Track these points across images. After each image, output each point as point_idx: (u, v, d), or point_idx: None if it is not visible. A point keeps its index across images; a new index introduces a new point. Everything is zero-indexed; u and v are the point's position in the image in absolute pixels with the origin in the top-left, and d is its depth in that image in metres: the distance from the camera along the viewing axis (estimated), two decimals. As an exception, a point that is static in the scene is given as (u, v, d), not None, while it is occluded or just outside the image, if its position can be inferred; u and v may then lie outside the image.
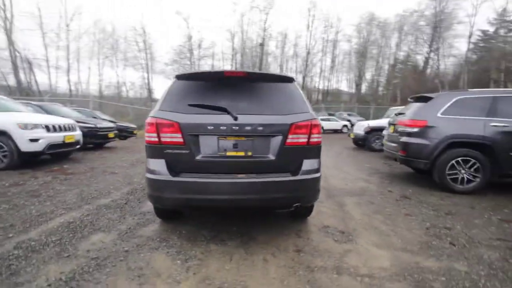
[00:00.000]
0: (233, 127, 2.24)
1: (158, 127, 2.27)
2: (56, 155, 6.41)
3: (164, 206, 2.51)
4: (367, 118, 20.04)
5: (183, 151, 2.27)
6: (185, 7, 48.95)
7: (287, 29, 48.67)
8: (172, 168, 2.28)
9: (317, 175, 2.40)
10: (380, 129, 9.02)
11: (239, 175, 2.26)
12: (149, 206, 3.46)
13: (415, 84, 31.83)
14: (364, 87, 40.08)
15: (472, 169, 4.26)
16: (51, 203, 3.54)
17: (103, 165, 6.26)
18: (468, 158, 4.25)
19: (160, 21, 46.08)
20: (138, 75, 37.25)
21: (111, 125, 9.15)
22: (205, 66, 33.12)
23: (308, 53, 36.81)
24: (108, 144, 9.96)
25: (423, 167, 4.59)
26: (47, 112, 7.27)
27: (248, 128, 2.25)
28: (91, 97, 18.00)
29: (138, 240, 2.56)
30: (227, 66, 32.93)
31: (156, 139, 2.28)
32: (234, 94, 2.43)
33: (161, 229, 2.81)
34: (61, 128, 5.99)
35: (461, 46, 35.49)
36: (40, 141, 5.44)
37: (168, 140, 2.27)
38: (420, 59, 37.20)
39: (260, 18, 32.77)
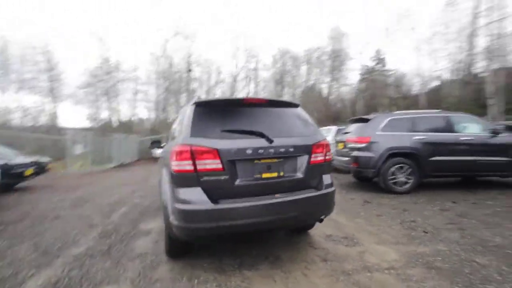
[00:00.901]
0: (269, 150, 2.37)
1: (193, 154, 2.20)
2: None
3: (200, 236, 2.33)
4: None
5: (223, 177, 2.24)
6: (103, 28, 44.50)
7: (213, 57, 50.04)
8: (211, 196, 2.21)
9: (333, 188, 2.72)
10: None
11: (276, 195, 2.37)
12: (142, 247, 3.11)
13: (323, 108, 37.20)
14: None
15: (406, 173, 5.39)
16: (6, 264, 2.75)
17: (36, 209, 5.07)
18: (402, 164, 5.37)
19: (72, 42, 40.31)
20: (35, 100, 31.08)
21: (28, 160, 7.47)
22: (128, 89, 30.60)
23: (234, 80, 38.73)
24: (21, 184, 7.96)
25: (371, 175, 5.54)
26: None
27: (282, 150, 2.42)
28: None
29: (162, 284, 2.30)
30: (152, 90, 31.29)
31: (191, 167, 2.19)
32: (254, 119, 2.55)
33: (179, 268, 2.57)
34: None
35: (354, 77, 43.84)
36: None
37: (207, 167, 2.21)
38: (324, 87, 43.91)
39: (185, 45, 32.98)
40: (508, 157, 5.34)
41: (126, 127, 27.23)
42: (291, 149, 2.47)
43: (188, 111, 2.53)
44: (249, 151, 2.31)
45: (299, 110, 2.88)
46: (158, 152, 4.45)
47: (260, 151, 2.35)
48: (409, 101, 25.96)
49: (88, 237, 3.50)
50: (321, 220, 2.69)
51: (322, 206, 2.59)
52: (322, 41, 48.45)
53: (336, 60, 40.28)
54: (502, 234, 3.15)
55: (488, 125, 5.71)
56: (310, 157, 2.58)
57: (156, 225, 3.87)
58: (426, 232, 3.31)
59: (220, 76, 39.24)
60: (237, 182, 2.29)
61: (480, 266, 2.44)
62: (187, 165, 2.19)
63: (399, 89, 33.25)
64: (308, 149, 2.57)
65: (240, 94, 39.74)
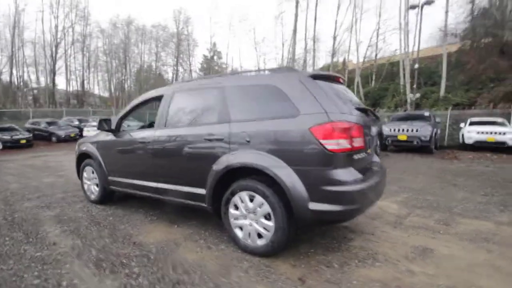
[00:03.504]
0: (372, 127, 2.62)
1: (351, 132, 2.08)
2: None
3: (352, 218, 2.23)
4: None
5: (363, 155, 2.29)
6: None
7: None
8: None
9: None
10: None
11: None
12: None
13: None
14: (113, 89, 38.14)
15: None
16: None
17: None
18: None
19: None
20: None
21: None
22: None
23: (56, 45, 28.79)
24: None
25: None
26: None
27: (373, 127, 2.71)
28: None
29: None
30: None
31: (349, 146, 2.06)
32: (343, 95, 2.46)
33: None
34: None
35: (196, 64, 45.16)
36: None
37: (357, 145, 2.14)
38: (170, 70, 42.26)
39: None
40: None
41: None
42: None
43: (306, 82, 2.24)
44: (367, 128, 2.42)
45: None
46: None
47: (371, 128, 2.57)
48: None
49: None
50: None
51: None
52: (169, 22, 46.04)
53: (182, 44, 39.78)
54: None
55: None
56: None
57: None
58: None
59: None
60: (370, 158, 2.43)
61: None
62: (345, 143, 2.04)
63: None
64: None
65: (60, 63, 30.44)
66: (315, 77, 2.29)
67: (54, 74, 29.52)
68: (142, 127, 3.78)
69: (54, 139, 14.77)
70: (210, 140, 2.52)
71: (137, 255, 2.37)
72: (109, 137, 3.52)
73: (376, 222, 3.11)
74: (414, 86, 15.13)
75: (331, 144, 2.00)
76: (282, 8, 48.31)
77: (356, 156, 2.18)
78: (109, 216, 3.38)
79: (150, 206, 3.72)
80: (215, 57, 47.84)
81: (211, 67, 45.17)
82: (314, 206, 2.04)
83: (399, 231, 2.86)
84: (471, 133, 9.92)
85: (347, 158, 2.08)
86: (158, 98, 3.20)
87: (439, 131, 11.28)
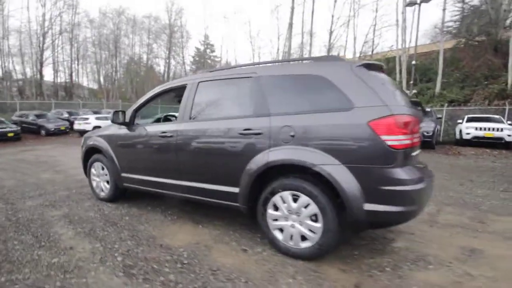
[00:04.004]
0: None
1: (411, 126, 1.90)
2: None
3: (409, 220, 2.00)
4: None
5: (419, 152, 2.17)
6: None
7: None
8: None
9: None
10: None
11: None
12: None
13: (158, 84, 35.27)
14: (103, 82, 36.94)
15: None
16: None
17: None
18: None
19: None
20: None
21: None
22: None
23: (44, 35, 27.46)
24: None
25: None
26: None
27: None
28: None
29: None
30: None
31: (409, 142, 1.88)
32: (393, 86, 2.23)
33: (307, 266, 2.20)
34: None
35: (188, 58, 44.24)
36: None
37: (416, 140, 2.00)
38: (161, 62, 41.24)
39: None
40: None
41: None
42: None
43: (361, 73, 2.01)
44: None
45: None
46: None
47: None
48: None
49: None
50: None
51: None
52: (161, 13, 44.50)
53: (174, 36, 38.74)
54: None
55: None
56: None
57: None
58: None
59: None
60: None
61: None
62: (407, 139, 1.86)
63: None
64: None
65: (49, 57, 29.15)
66: (368, 66, 2.07)
67: (42, 65, 28.27)
68: (158, 120, 3.51)
69: (43, 132, 14.12)
70: (245, 134, 2.30)
71: (168, 260, 2.15)
72: (123, 130, 3.24)
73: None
74: (411, 82, 15.19)
75: (392, 140, 1.81)
76: (278, 1, 47.97)
77: (413, 153, 2.02)
78: (124, 215, 3.13)
79: (165, 204, 3.48)
80: (208, 50, 47.03)
81: (204, 60, 44.40)
82: (370, 207, 1.87)
83: (437, 230, 2.75)
84: (469, 128, 10.04)
85: (407, 155, 1.90)
86: (180, 89, 2.95)
87: (439, 127, 11.39)
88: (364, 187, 1.87)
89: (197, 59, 47.40)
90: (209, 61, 45.60)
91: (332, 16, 24.77)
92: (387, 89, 1.98)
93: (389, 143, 1.81)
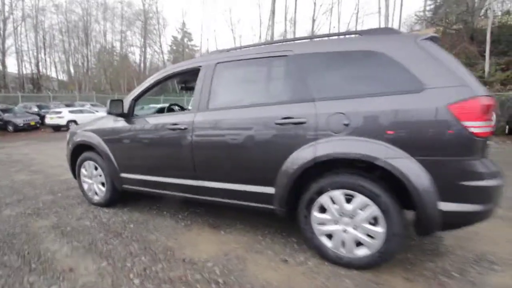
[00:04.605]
0: None
1: (493, 111, 1.61)
2: None
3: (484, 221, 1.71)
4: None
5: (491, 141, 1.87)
6: None
7: None
8: None
9: None
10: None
11: None
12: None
13: (137, 77, 33.45)
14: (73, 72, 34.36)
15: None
16: None
17: None
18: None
19: None
20: None
21: None
22: None
23: (5, 21, 24.71)
24: None
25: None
26: None
27: None
28: None
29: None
30: None
31: (492, 129, 1.60)
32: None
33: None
34: None
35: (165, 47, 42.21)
36: None
37: (493, 128, 1.70)
38: (137, 51, 39.10)
39: None
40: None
41: None
42: None
43: (413, 49, 1.69)
44: None
45: None
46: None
47: None
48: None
49: None
50: None
51: None
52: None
53: (150, 23, 36.63)
54: None
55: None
56: None
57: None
58: None
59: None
60: None
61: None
62: (490, 125, 1.57)
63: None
64: None
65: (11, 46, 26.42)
66: (435, 39, 1.76)
67: (4, 54, 25.68)
68: (161, 111, 3.03)
69: (10, 128, 12.85)
70: (283, 124, 1.92)
71: (199, 279, 1.77)
72: (120, 123, 2.74)
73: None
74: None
75: (477, 127, 1.52)
76: (259, -14, 46.62)
77: (489, 143, 1.75)
78: (127, 223, 2.68)
79: (170, 206, 3.05)
80: (186, 39, 45.11)
81: (183, 49, 42.60)
82: (446, 206, 1.59)
83: (486, 224, 2.56)
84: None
85: (487, 144, 1.64)
86: (190, 73, 2.49)
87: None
88: (439, 184, 1.58)
89: (174, 48, 45.44)
90: (187, 50, 43.87)
91: (315, 4, 24.43)
92: (460, 66, 1.68)
93: (473, 130, 1.52)
